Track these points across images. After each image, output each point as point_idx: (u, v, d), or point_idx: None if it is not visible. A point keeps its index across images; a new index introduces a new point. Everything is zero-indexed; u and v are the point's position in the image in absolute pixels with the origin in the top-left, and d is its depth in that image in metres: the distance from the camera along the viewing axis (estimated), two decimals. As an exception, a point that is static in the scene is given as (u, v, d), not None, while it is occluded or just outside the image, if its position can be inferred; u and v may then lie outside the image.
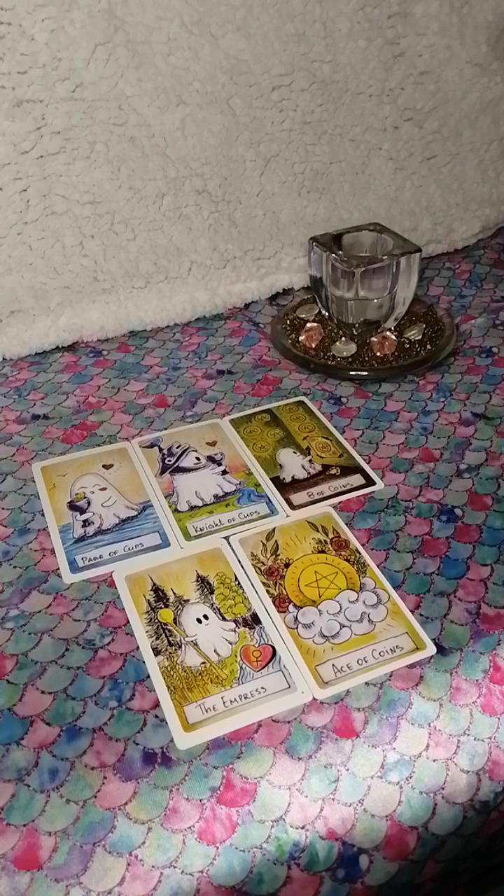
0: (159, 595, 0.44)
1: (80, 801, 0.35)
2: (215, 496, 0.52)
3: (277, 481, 0.53)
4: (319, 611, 0.43)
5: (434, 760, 0.38)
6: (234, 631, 0.42)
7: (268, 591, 0.45)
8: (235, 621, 0.43)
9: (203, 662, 0.40)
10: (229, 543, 0.48)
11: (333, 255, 0.63)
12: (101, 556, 0.47)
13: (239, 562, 0.47)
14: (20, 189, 0.65)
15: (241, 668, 0.40)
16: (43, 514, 0.50)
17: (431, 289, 0.78)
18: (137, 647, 0.41)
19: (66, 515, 0.50)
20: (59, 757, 0.36)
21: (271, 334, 0.69)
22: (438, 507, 0.51)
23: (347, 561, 0.47)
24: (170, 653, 0.41)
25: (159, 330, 0.71)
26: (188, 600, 0.44)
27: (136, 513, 0.50)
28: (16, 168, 0.64)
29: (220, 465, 0.55)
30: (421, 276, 0.75)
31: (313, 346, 0.66)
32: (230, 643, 0.41)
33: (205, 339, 0.70)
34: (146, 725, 0.37)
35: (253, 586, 0.45)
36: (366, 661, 0.41)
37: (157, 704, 0.38)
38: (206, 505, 0.51)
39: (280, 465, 0.55)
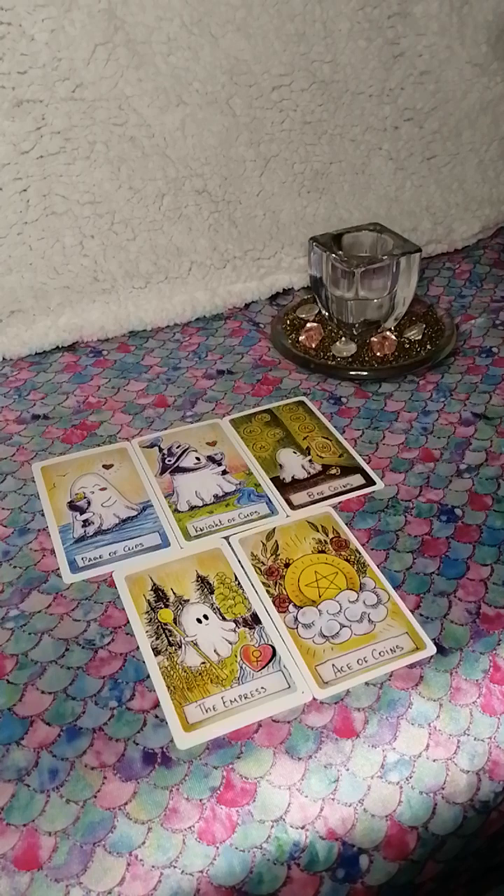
0: (159, 595, 0.44)
1: (80, 801, 0.35)
2: (215, 496, 0.52)
3: (277, 481, 0.53)
4: (319, 611, 0.43)
5: (434, 760, 0.38)
6: (234, 631, 0.42)
7: (268, 591, 0.45)
8: (235, 621, 0.43)
9: (203, 662, 0.40)
10: (229, 543, 0.48)
11: (333, 255, 0.63)
12: (101, 556, 0.47)
13: (239, 562, 0.47)
14: (20, 189, 0.65)
15: (241, 668, 0.40)
16: (43, 514, 0.50)
17: (431, 289, 0.78)
18: (137, 647, 0.41)
19: (66, 515, 0.50)
20: (59, 757, 0.36)
21: (271, 334, 0.69)
22: (438, 507, 0.51)
23: (347, 561, 0.47)
24: (170, 653, 0.41)
25: (159, 330, 0.71)
26: (188, 600, 0.44)
27: (136, 513, 0.50)
28: (16, 168, 0.64)
29: (220, 465, 0.55)
30: (421, 276, 0.75)
31: (313, 346, 0.66)
32: (230, 643, 0.41)
33: (205, 339, 0.70)
34: (146, 725, 0.37)
35: (253, 586, 0.45)
36: (366, 661, 0.41)
37: (157, 704, 0.38)
38: (206, 505, 0.51)
39: (280, 465, 0.55)
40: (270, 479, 0.53)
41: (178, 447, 0.56)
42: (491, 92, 0.84)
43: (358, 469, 0.54)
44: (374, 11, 0.76)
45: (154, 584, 0.45)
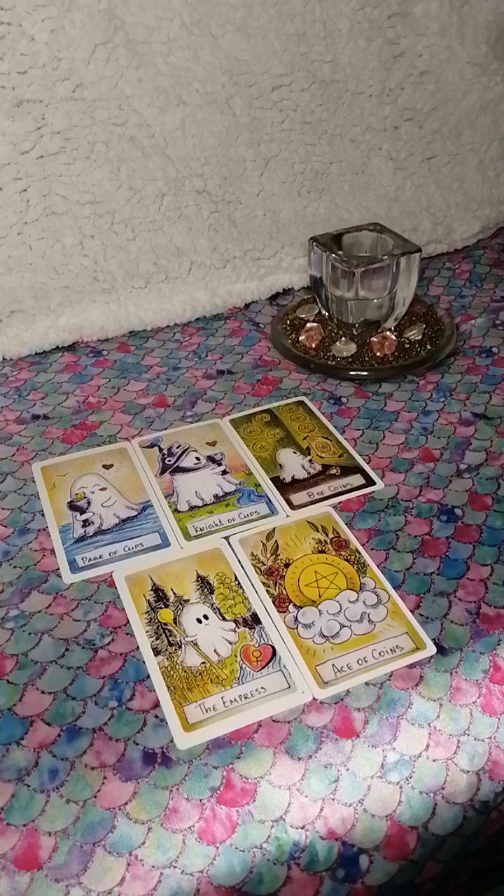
0: (159, 595, 0.44)
1: (80, 801, 0.35)
2: (215, 496, 0.52)
3: (277, 481, 0.53)
4: (319, 611, 0.43)
5: (434, 760, 0.38)
6: (234, 631, 0.42)
7: (268, 591, 0.45)
8: (235, 621, 0.43)
9: (203, 662, 0.40)
10: (229, 543, 0.48)
11: (333, 255, 0.63)
12: (101, 556, 0.47)
13: (239, 562, 0.47)
14: (20, 189, 0.65)
15: (241, 668, 0.40)
16: (43, 514, 0.50)
17: (431, 289, 0.78)
18: (137, 647, 0.41)
19: (66, 515, 0.50)
20: (59, 757, 0.36)
21: (271, 334, 0.69)
22: (438, 507, 0.51)
23: (347, 561, 0.47)
24: (170, 653, 0.41)
25: (159, 330, 0.71)
26: (188, 600, 0.44)
27: (136, 513, 0.50)
28: (16, 168, 0.64)
29: (220, 465, 0.55)
30: (421, 276, 0.75)
31: (313, 346, 0.66)
32: (230, 643, 0.41)
33: (205, 339, 0.70)
34: (146, 725, 0.37)
35: (253, 586, 0.45)
36: (366, 661, 0.41)
37: (157, 704, 0.38)
38: (206, 505, 0.51)
39: (280, 465, 0.55)
40: (270, 479, 0.53)
41: (178, 447, 0.56)
42: (491, 92, 0.84)
43: (358, 469, 0.54)
44: (374, 11, 0.76)
45: (154, 584, 0.45)
